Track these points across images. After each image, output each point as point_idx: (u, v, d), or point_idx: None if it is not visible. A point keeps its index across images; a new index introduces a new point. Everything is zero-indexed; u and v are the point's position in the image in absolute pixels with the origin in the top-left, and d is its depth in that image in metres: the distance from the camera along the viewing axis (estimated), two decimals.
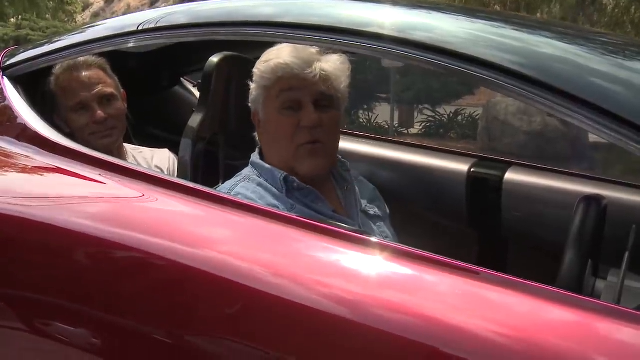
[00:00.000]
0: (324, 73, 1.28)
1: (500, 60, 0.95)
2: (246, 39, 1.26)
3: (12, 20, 17.21)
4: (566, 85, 0.90)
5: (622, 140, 0.83)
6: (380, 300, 0.87)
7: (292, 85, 1.28)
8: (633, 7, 8.10)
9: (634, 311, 0.80)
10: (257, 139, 1.39)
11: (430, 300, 0.86)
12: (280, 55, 1.29)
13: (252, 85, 1.35)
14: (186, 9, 1.37)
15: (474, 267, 0.88)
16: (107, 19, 1.76)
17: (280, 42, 1.31)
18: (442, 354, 0.81)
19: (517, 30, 1.14)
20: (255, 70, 1.34)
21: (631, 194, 1.51)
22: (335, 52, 1.31)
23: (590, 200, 1.04)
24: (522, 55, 0.98)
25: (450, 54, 0.98)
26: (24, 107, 1.42)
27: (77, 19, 21.94)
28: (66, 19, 19.73)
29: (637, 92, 0.91)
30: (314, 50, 1.30)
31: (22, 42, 12.85)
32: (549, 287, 0.84)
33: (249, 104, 1.36)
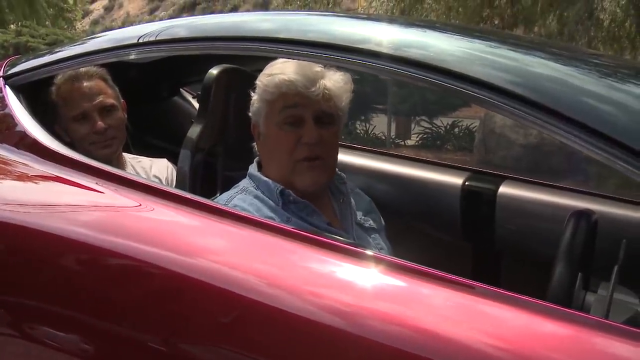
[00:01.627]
0: (327, 92, 1.29)
1: (494, 79, 0.97)
2: (244, 54, 1.28)
3: (12, 27, 17.22)
4: (558, 105, 0.91)
5: (610, 159, 0.85)
6: (375, 312, 0.88)
7: (295, 102, 1.29)
8: (628, 22, 8.15)
9: (622, 325, 0.82)
10: (256, 150, 1.40)
11: (424, 313, 0.87)
12: (284, 70, 1.29)
13: (254, 97, 1.35)
14: (186, 23, 1.39)
15: (468, 281, 0.90)
16: (107, 30, 1.78)
17: (278, 58, 1.32)
18: None
19: (512, 50, 1.15)
20: (258, 82, 1.34)
21: (622, 208, 1.53)
22: (338, 69, 1.33)
23: (581, 214, 1.06)
24: (516, 74, 1.00)
25: (445, 72, 1.00)
26: (25, 116, 1.43)
27: (76, 26, 21.97)
28: (66, 26, 19.76)
29: (626, 113, 0.93)
30: (318, 67, 1.30)
31: (22, 49, 12.86)
32: (541, 302, 0.85)
33: (249, 114, 1.37)
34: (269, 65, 1.35)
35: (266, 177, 1.33)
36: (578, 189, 1.67)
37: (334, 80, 1.31)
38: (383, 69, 1.06)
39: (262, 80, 1.33)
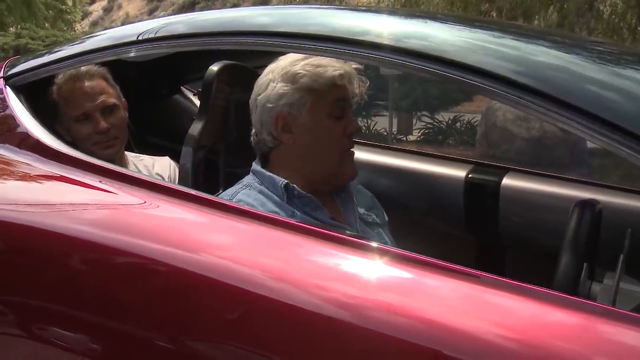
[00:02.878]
0: (362, 86, 1.36)
1: (497, 68, 0.97)
2: (244, 49, 1.27)
3: (12, 29, 17.25)
4: (561, 93, 0.91)
5: (614, 145, 0.85)
6: (382, 304, 0.88)
7: (345, 95, 1.33)
8: (629, 14, 8.14)
9: (630, 312, 0.81)
10: (271, 145, 1.35)
11: (431, 303, 0.87)
12: (332, 63, 1.31)
13: (286, 87, 1.30)
14: (185, 19, 1.39)
15: (474, 271, 0.90)
16: (107, 28, 1.77)
17: (279, 52, 1.32)
18: (443, 356, 0.82)
19: (513, 39, 1.15)
20: (301, 71, 1.30)
21: (626, 198, 1.52)
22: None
23: (585, 204, 1.05)
24: (518, 63, 1.00)
25: (447, 63, 0.99)
26: (27, 116, 1.43)
27: (76, 28, 21.99)
28: (65, 28, 19.79)
29: (630, 99, 0.92)
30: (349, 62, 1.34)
31: (21, 51, 12.88)
32: (548, 290, 0.85)
33: (267, 104, 1.32)
34: (297, 58, 1.32)
35: (273, 171, 1.32)
36: (582, 179, 1.66)
37: (355, 75, 1.36)
38: (385, 61, 1.06)
39: (309, 70, 1.30)
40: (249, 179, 1.35)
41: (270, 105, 1.32)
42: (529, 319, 0.83)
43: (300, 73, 1.30)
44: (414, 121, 11.65)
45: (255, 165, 1.37)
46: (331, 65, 1.30)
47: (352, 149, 1.37)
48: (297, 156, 1.34)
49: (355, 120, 1.36)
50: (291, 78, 1.31)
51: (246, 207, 1.15)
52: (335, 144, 1.33)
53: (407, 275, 0.93)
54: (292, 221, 1.10)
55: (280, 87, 1.31)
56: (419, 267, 0.92)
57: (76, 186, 1.26)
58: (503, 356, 0.80)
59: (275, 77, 1.32)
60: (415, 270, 0.92)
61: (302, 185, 1.30)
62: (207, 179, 1.49)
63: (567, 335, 0.81)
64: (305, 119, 1.31)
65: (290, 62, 1.32)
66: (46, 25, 18.23)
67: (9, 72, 1.55)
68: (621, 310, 0.82)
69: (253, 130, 1.38)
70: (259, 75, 1.38)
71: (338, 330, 0.88)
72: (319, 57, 1.30)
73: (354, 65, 1.36)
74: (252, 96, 1.37)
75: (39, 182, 1.34)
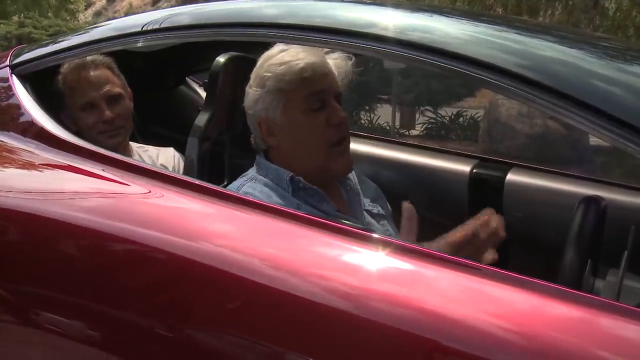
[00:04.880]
0: (340, 70, 1.31)
1: (501, 61, 0.97)
2: (249, 40, 1.27)
3: (15, 18, 17.23)
4: (566, 87, 0.91)
5: (620, 141, 0.85)
6: (384, 294, 0.89)
7: (320, 86, 1.28)
8: (634, 11, 8.12)
9: (633, 307, 0.82)
10: (264, 147, 1.35)
11: (432, 295, 0.88)
12: (297, 57, 1.27)
13: (257, 91, 1.30)
14: (190, 10, 1.39)
15: (475, 264, 0.90)
16: (112, 19, 1.77)
17: (283, 43, 1.31)
18: (443, 347, 0.83)
19: (518, 33, 1.15)
20: (266, 74, 1.29)
21: (630, 195, 1.52)
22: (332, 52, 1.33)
23: (590, 200, 1.06)
24: (522, 56, 1.00)
25: (451, 56, 1.00)
26: (32, 105, 1.44)
27: (79, 18, 21.97)
28: (68, 18, 19.77)
29: (635, 95, 0.92)
30: (317, 50, 1.30)
31: (25, 40, 12.85)
32: (549, 283, 0.85)
33: (248, 111, 1.33)
34: (267, 57, 1.32)
35: (277, 165, 1.32)
36: (586, 176, 1.66)
37: (334, 60, 1.33)
38: (389, 53, 1.07)
39: (273, 70, 1.28)
40: (253, 171, 1.35)
41: (251, 112, 1.33)
42: (529, 311, 0.84)
43: (265, 76, 1.29)
44: (417, 116, 11.65)
45: (260, 158, 1.37)
46: (295, 60, 1.27)
47: (345, 139, 1.31)
48: (286, 156, 1.32)
49: (340, 109, 1.30)
50: (260, 82, 1.30)
51: (250, 198, 1.15)
52: (318, 139, 1.28)
53: (410, 267, 0.93)
54: (296, 212, 1.10)
55: (253, 92, 1.31)
56: (421, 258, 0.92)
57: (81, 175, 1.26)
58: (503, 347, 0.80)
59: (251, 82, 1.33)
60: (417, 262, 0.92)
61: (305, 178, 1.30)
62: (212, 170, 1.49)
63: (567, 327, 0.81)
64: (282, 120, 1.30)
65: (259, 64, 1.32)
66: (49, 14, 18.21)
67: (15, 61, 1.55)
68: (623, 305, 0.82)
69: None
70: None
71: (340, 320, 0.88)
72: (285, 52, 1.29)
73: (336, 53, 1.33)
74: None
75: (44, 170, 1.35)
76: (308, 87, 1.27)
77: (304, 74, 1.26)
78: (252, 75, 1.33)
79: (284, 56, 1.29)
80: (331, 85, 1.30)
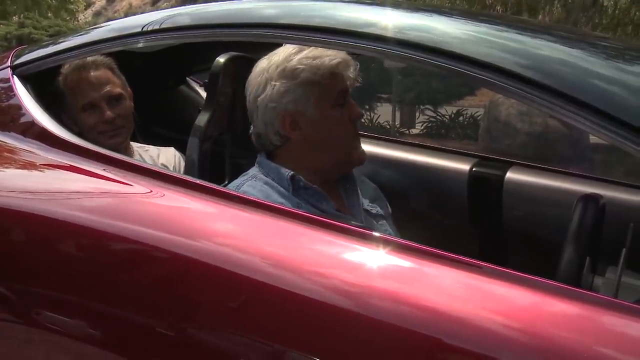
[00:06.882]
0: (356, 70, 1.34)
1: (500, 60, 0.97)
2: (249, 40, 1.28)
3: (15, 18, 17.23)
4: (565, 87, 0.92)
5: (619, 140, 0.86)
6: (384, 292, 0.89)
7: (347, 83, 1.33)
8: (633, 9, 8.12)
9: (632, 304, 0.82)
10: (278, 143, 1.34)
11: (432, 292, 0.88)
12: (326, 53, 1.29)
13: (286, 83, 1.29)
14: (190, 11, 1.39)
15: (476, 261, 0.90)
16: (112, 19, 1.78)
17: (282, 43, 1.32)
18: (444, 345, 0.83)
19: (517, 32, 1.16)
20: (299, 66, 1.28)
21: (629, 193, 1.53)
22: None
23: (589, 198, 1.06)
24: (522, 56, 1.00)
25: (451, 55, 1.00)
26: (33, 105, 1.44)
27: (79, 18, 21.96)
28: (68, 18, 19.77)
29: (635, 94, 0.93)
30: None
31: (25, 41, 12.85)
32: (550, 281, 0.86)
33: (269, 104, 1.31)
34: (290, 52, 1.31)
35: (279, 164, 1.32)
36: (585, 174, 1.67)
37: None
38: (389, 53, 1.07)
39: (307, 63, 1.28)
40: (254, 170, 1.35)
41: (273, 105, 1.31)
42: (529, 308, 0.84)
43: (298, 68, 1.29)
44: (417, 114, 11.64)
45: (261, 157, 1.37)
46: (327, 55, 1.29)
47: (358, 133, 1.38)
48: (307, 150, 1.33)
49: (357, 105, 1.36)
50: (290, 74, 1.29)
51: (250, 197, 1.16)
52: (344, 132, 1.33)
53: (410, 265, 0.94)
54: (296, 210, 1.11)
55: (280, 85, 1.29)
56: (421, 256, 0.93)
57: (82, 175, 1.27)
58: (502, 344, 0.81)
59: (272, 75, 1.31)
60: (417, 260, 0.93)
61: (307, 177, 1.31)
62: (213, 170, 1.50)
63: (566, 324, 0.82)
64: (313, 113, 1.30)
65: (284, 58, 1.31)
66: (49, 14, 18.20)
67: (16, 62, 1.56)
68: (623, 302, 0.83)
69: (252, 129, 1.38)
70: None
71: (341, 318, 0.89)
72: (312, 48, 1.30)
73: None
74: (250, 98, 1.35)
75: (45, 171, 1.35)
76: (340, 82, 1.31)
77: (337, 69, 1.30)
78: (273, 69, 1.31)
79: (314, 52, 1.30)
80: (352, 83, 1.34)
